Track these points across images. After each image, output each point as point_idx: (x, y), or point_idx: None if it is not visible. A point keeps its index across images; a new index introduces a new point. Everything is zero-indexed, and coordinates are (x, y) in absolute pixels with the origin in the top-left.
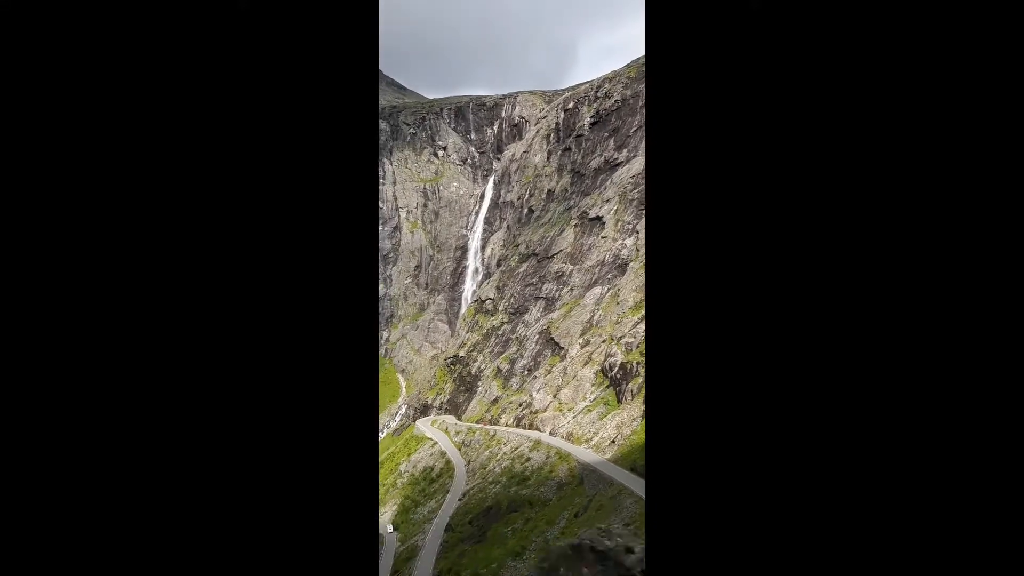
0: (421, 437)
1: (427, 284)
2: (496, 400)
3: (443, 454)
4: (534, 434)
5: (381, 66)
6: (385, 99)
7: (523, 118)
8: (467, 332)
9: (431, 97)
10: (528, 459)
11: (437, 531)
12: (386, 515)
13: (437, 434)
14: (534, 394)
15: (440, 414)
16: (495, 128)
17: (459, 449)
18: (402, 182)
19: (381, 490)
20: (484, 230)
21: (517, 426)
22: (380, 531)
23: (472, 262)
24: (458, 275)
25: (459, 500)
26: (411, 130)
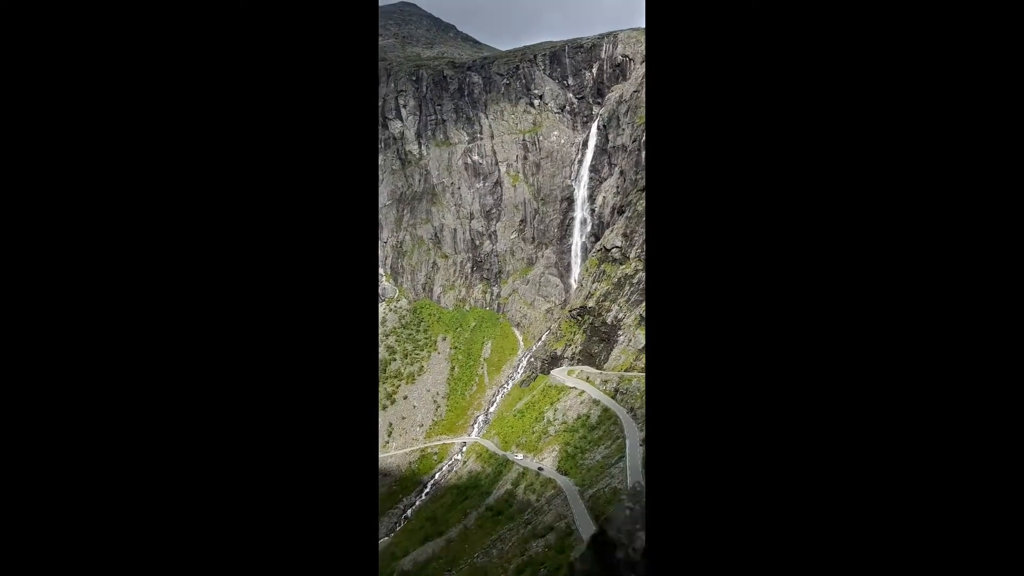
0: (560, 387)
1: (534, 238)
2: (645, 347)
3: (596, 402)
4: None
5: (455, 23)
6: (465, 54)
7: (626, 56)
8: (593, 282)
9: (504, 49)
10: None
11: (639, 473)
12: (547, 461)
13: (579, 383)
14: None
15: (573, 364)
16: (594, 71)
17: (612, 397)
18: (500, 135)
19: (532, 437)
20: (591, 179)
21: None
22: (512, 459)
23: (580, 212)
24: (565, 227)
25: (641, 445)
26: (504, 81)
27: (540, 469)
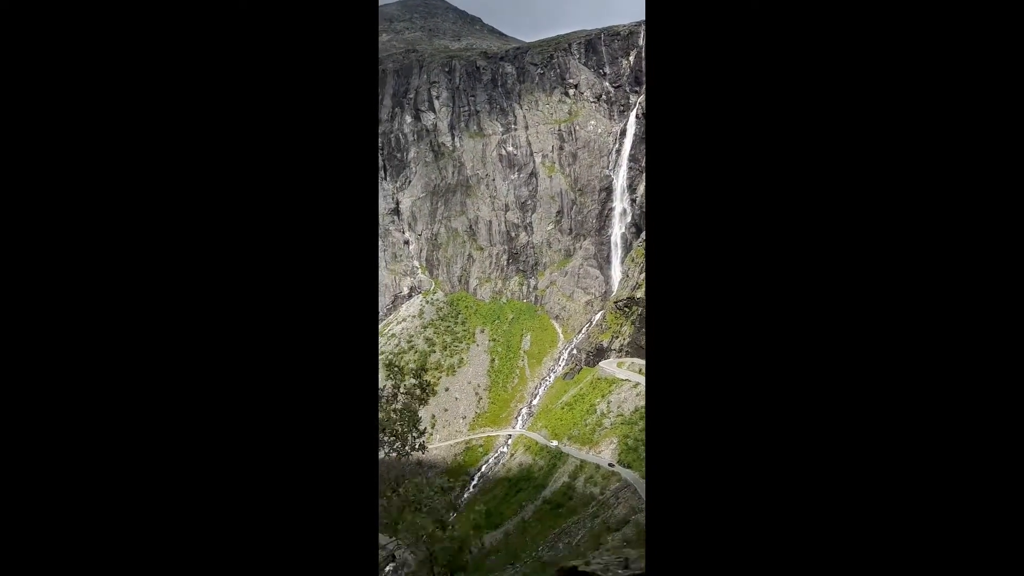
0: (611, 379)
1: (571, 229)
2: None
3: None
4: None
5: (480, 15)
6: (494, 46)
7: None
8: (640, 273)
9: (530, 41)
10: None
11: None
12: (605, 453)
13: (631, 375)
14: None
15: (622, 356)
16: (631, 59)
17: None
18: (534, 126)
19: (585, 429)
20: (630, 168)
21: None
22: (552, 445)
23: (619, 203)
24: (604, 218)
25: None
26: (539, 70)
27: (611, 464)
